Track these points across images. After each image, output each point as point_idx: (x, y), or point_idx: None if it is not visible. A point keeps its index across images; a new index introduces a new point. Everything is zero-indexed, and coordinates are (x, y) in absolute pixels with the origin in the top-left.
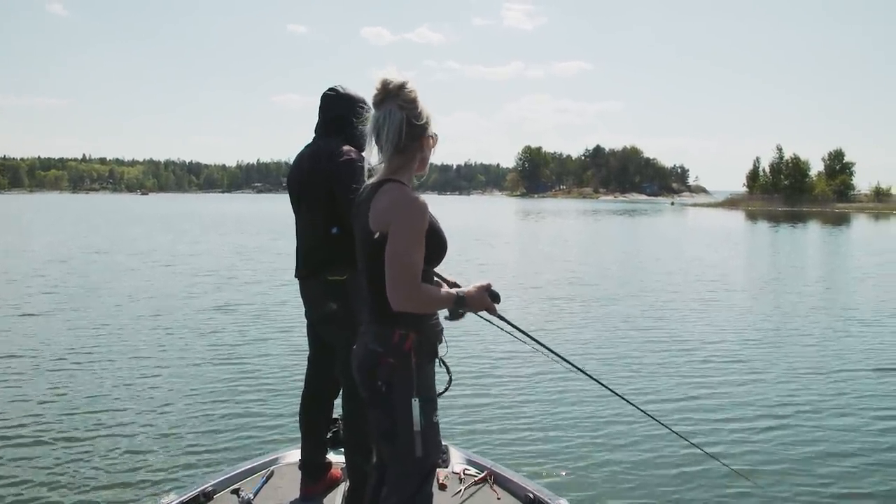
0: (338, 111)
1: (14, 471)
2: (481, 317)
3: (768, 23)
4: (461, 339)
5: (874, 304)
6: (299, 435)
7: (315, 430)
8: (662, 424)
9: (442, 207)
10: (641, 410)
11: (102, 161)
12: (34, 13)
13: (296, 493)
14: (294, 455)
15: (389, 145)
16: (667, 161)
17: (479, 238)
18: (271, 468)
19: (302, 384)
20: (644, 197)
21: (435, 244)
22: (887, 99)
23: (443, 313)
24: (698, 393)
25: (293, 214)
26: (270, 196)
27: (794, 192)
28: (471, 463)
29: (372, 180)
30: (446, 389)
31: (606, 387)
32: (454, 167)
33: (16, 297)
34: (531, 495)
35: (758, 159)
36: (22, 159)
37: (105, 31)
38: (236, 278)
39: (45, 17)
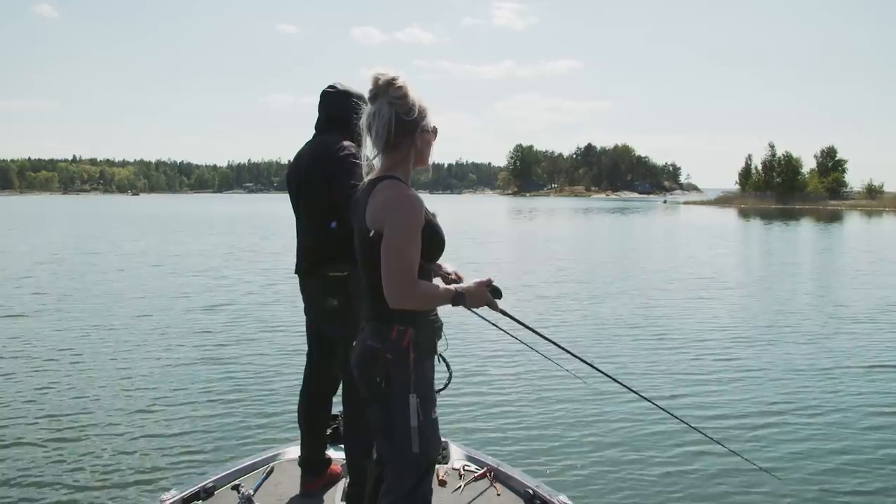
0: (337, 108)
1: (13, 470)
2: (478, 314)
3: (759, 20)
4: (462, 335)
5: (868, 301)
6: (299, 431)
7: (315, 426)
8: (663, 409)
9: (433, 206)
10: (642, 396)
11: (93, 162)
12: (22, 14)
13: (296, 490)
14: (294, 451)
15: (379, 141)
16: (658, 159)
17: (472, 237)
18: (271, 464)
19: (301, 380)
20: (636, 195)
21: (432, 240)
22: (879, 96)
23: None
24: (702, 390)
25: (293, 211)
26: (262, 196)
27: (786, 190)
28: (471, 459)
29: (369, 177)
30: (446, 386)
31: (612, 377)
32: (445, 166)
33: (21, 298)
34: (531, 491)
35: (750, 157)
36: (12, 161)
37: (95, 31)
38: (234, 277)
39: (33, 19)
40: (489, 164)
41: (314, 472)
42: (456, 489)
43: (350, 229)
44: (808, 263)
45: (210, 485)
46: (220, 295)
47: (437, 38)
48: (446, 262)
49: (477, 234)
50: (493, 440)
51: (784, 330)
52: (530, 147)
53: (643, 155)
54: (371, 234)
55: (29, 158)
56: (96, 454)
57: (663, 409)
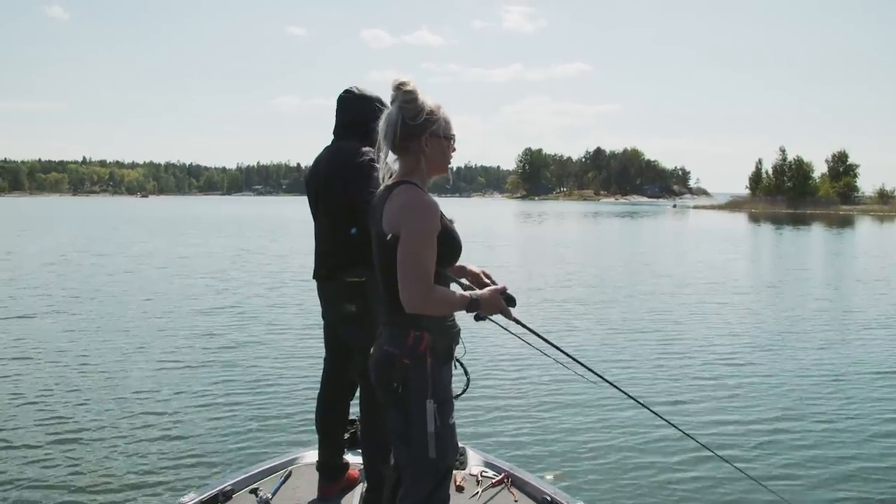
0: (353, 112)
1: (29, 472)
2: (494, 321)
3: (769, 23)
4: (480, 340)
5: (880, 307)
6: (317, 436)
7: (332, 430)
8: (677, 428)
9: (449, 212)
10: (652, 411)
11: (103, 164)
12: (35, 16)
13: (313, 494)
14: (312, 455)
15: (386, 143)
16: (667, 163)
17: (481, 240)
18: (289, 468)
19: (319, 385)
20: (645, 199)
21: (448, 246)
22: (891, 100)
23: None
24: (711, 396)
25: (311, 216)
26: (271, 198)
27: (797, 195)
28: (488, 465)
29: (387, 182)
30: (464, 391)
31: (625, 392)
32: (454, 169)
33: (45, 300)
34: (549, 498)
35: (760, 161)
36: (22, 162)
37: (105, 33)
38: (250, 280)
39: (45, 21)
40: (498, 167)
41: (332, 476)
42: (473, 495)
43: (369, 234)
44: (819, 269)
45: (228, 488)
46: (238, 298)
47: (447, 41)
48: (471, 264)
49: (486, 237)
50: (511, 446)
51: (795, 336)
52: (539, 150)
53: (652, 159)
54: (388, 239)
55: (39, 160)
56: (114, 457)
57: (676, 427)
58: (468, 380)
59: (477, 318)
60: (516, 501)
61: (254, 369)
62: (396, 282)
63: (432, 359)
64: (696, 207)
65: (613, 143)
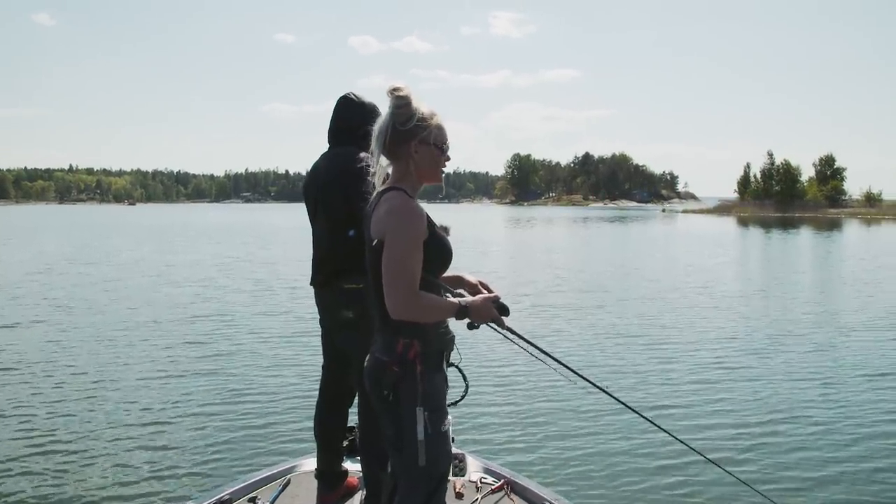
0: (352, 119)
1: (24, 485)
2: (495, 328)
3: (757, 29)
4: (480, 347)
5: (868, 309)
6: (315, 443)
7: (331, 438)
8: (670, 434)
9: (442, 219)
10: (651, 422)
11: (90, 171)
12: (21, 23)
13: (312, 502)
14: (310, 463)
15: (377, 148)
16: (655, 168)
17: (470, 246)
18: (288, 476)
19: (317, 392)
20: (634, 204)
21: (436, 253)
22: (878, 102)
23: (464, 322)
24: (705, 401)
25: (310, 223)
26: (259, 206)
27: (785, 198)
28: (488, 472)
29: (378, 188)
30: (463, 398)
31: (618, 399)
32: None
33: (27, 310)
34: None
35: (748, 165)
36: (8, 170)
37: (92, 40)
38: (248, 287)
39: (31, 28)
40: (487, 173)
41: (330, 484)
42: (473, 501)
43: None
44: (807, 272)
45: (226, 497)
46: (234, 306)
47: (436, 47)
48: (469, 273)
49: (475, 243)
50: (511, 452)
51: (787, 339)
52: (528, 156)
53: (641, 164)
54: (374, 244)
55: (25, 168)
56: (110, 468)
57: (669, 433)
58: (467, 386)
59: (470, 327)
60: None
61: (251, 377)
62: None
63: (422, 366)
64: (685, 212)
65: (602, 149)
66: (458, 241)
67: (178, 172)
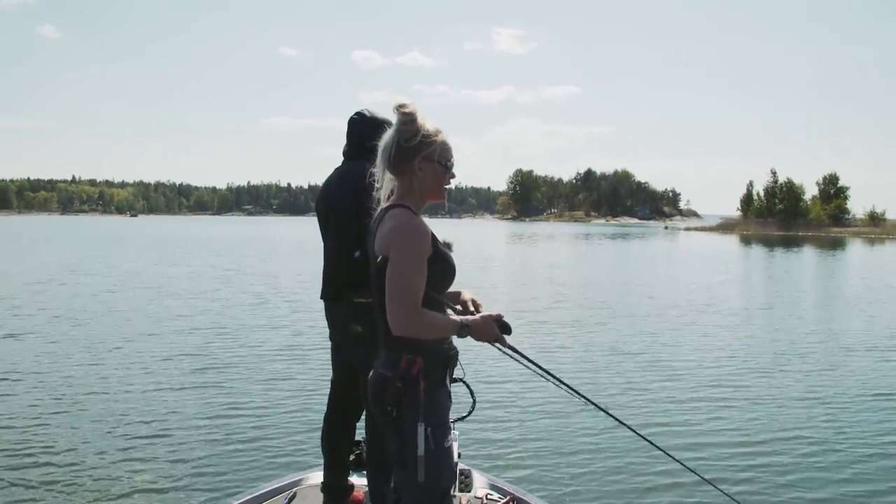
0: (364, 135)
1: (24, 498)
2: (498, 347)
3: (758, 46)
4: (488, 362)
5: (870, 329)
6: (322, 457)
7: (338, 451)
8: (671, 457)
9: (446, 236)
10: (650, 442)
11: (92, 182)
12: (26, 35)
13: None
14: (317, 477)
15: (381, 164)
16: (657, 185)
17: (472, 261)
18: (294, 490)
19: (325, 406)
20: (636, 221)
21: (440, 269)
22: (883, 120)
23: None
24: (704, 419)
25: (321, 237)
26: (261, 218)
27: (788, 217)
28: (494, 488)
29: (383, 204)
30: (470, 413)
31: (621, 421)
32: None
33: (30, 320)
34: None
35: (751, 183)
36: (11, 180)
37: (96, 52)
38: (254, 300)
39: (36, 39)
40: (488, 188)
41: (337, 498)
42: None
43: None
44: (810, 291)
45: None
46: (241, 318)
47: (438, 63)
48: (466, 291)
49: (476, 259)
50: (516, 469)
51: (786, 358)
52: (530, 172)
53: (643, 181)
54: (379, 261)
55: (28, 178)
56: (116, 480)
57: (672, 456)
58: (474, 402)
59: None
60: None
61: (257, 389)
62: None
63: (425, 382)
64: (687, 229)
65: (603, 165)
66: (459, 256)
67: (181, 184)
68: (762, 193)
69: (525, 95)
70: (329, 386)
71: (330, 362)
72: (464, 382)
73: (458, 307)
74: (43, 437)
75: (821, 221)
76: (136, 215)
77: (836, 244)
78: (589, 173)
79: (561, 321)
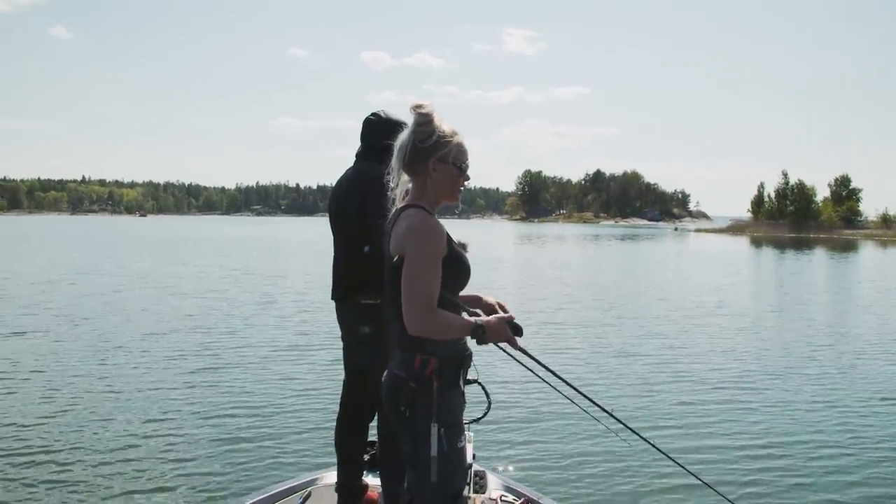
0: (378, 136)
1: (33, 498)
2: (503, 349)
3: (769, 47)
4: (503, 363)
5: (882, 333)
6: (336, 457)
7: (351, 452)
8: (680, 465)
9: (451, 233)
10: (657, 448)
11: (102, 183)
12: (37, 36)
13: None
14: (331, 477)
15: (397, 165)
16: (666, 186)
17: (482, 262)
18: (308, 489)
19: (338, 406)
20: (645, 222)
21: (455, 270)
22: (894, 124)
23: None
24: (712, 423)
25: (332, 237)
26: (270, 219)
27: (800, 219)
28: (508, 490)
29: (398, 205)
30: (485, 414)
31: (628, 426)
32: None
33: (39, 319)
34: None
35: (762, 185)
36: (21, 181)
37: (107, 53)
38: (269, 301)
39: (47, 40)
40: (497, 189)
41: (350, 498)
42: None
43: (384, 256)
44: (821, 293)
45: None
46: (255, 317)
47: (447, 64)
48: (489, 295)
49: (486, 260)
50: (531, 470)
51: (796, 361)
52: (539, 173)
53: (652, 182)
54: (394, 261)
55: (38, 178)
56: (129, 480)
57: (681, 465)
58: (489, 403)
59: (479, 343)
60: None
61: (273, 390)
62: None
63: (439, 383)
64: (697, 231)
65: (613, 166)
66: (469, 256)
67: (190, 185)
68: (773, 195)
69: (534, 96)
70: (341, 386)
71: (342, 362)
72: (479, 384)
73: (476, 310)
74: (54, 434)
75: (832, 224)
76: (145, 215)
77: (848, 246)
78: (598, 174)
79: (570, 322)
